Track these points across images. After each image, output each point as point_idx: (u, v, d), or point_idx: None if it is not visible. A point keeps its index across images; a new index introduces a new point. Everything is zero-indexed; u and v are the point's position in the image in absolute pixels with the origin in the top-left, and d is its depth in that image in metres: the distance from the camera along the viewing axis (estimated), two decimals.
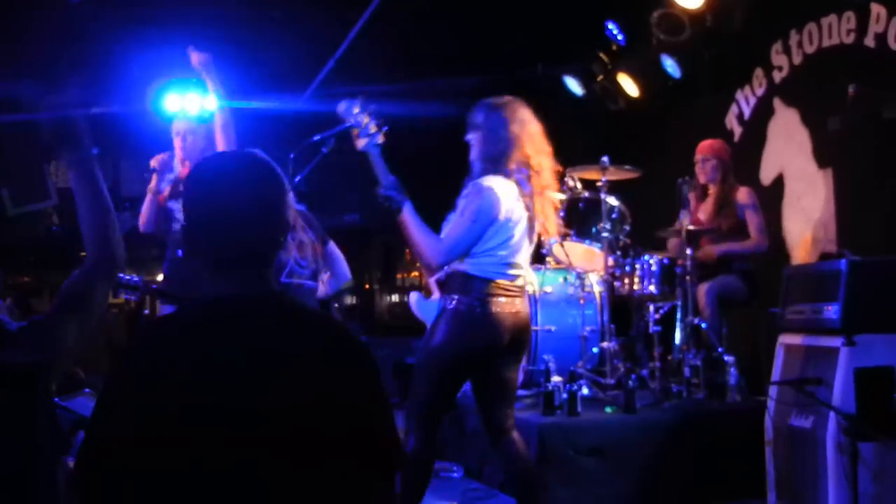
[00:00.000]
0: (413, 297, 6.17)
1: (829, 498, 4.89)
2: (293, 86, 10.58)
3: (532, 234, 4.70)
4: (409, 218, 4.54)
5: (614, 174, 6.81)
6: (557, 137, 10.24)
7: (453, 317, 4.52)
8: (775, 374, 5.56)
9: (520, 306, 4.61)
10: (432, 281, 4.79)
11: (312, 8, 9.21)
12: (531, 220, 4.66)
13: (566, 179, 6.82)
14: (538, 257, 7.20)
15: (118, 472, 1.90)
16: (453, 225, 4.54)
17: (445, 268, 4.59)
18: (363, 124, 4.49)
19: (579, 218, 6.71)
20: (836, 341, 5.01)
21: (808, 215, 7.25)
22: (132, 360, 2.01)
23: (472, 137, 4.71)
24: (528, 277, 4.76)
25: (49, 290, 11.51)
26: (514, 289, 4.59)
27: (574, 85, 9.34)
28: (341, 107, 4.56)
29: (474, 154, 4.70)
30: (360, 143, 4.52)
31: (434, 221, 4.90)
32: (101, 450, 1.94)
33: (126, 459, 1.89)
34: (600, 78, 9.06)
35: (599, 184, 6.66)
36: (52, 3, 6.99)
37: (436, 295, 4.73)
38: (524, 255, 4.66)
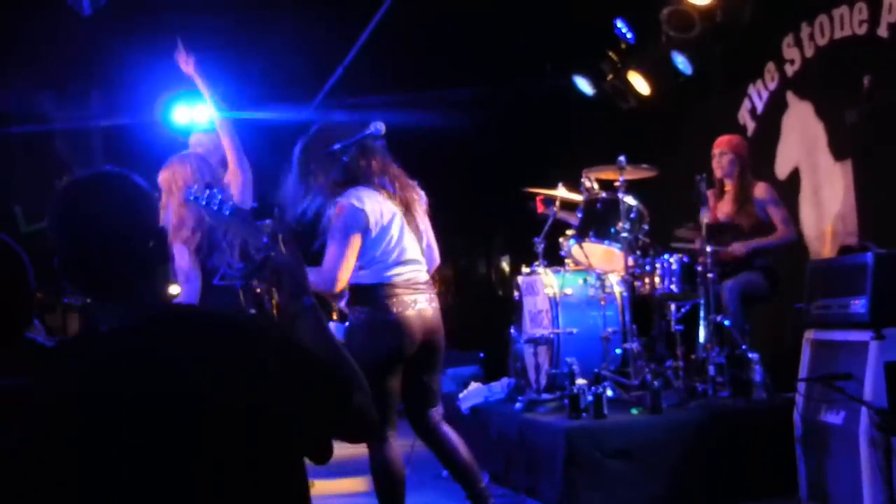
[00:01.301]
0: (331, 326, 6.18)
1: (863, 493, 4.86)
2: (300, 96, 10.58)
3: (416, 227, 4.84)
4: None
5: (631, 173, 6.77)
6: (568, 137, 10.28)
7: (360, 328, 4.67)
8: (802, 369, 5.52)
9: (424, 304, 4.73)
10: (342, 305, 4.87)
11: (319, 19, 9.21)
12: (409, 214, 4.80)
13: (583, 180, 6.80)
14: (557, 259, 7.17)
15: None
16: (328, 249, 4.62)
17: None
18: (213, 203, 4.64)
19: (598, 218, 6.67)
20: (864, 335, 4.98)
21: (825, 208, 7.21)
22: (42, 403, 1.91)
23: (315, 164, 4.78)
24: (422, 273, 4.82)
25: (62, 306, 11.50)
26: (413, 287, 4.72)
27: (584, 84, 9.31)
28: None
29: (326, 178, 4.77)
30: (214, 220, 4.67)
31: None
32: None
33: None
34: (610, 77, 9.03)
35: (617, 183, 6.61)
36: (64, 16, 6.99)
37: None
38: (414, 250, 4.79)
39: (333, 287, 4.57)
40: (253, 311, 4.76)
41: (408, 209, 4.82)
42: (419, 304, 4.70)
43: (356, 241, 4.59)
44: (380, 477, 4.70)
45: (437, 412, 4.90)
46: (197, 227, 5.26)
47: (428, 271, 4.89)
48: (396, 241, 4.70)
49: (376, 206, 4.67)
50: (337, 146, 4.58)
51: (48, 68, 9.29)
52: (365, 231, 4.62)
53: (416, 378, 4.83)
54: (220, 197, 4.65)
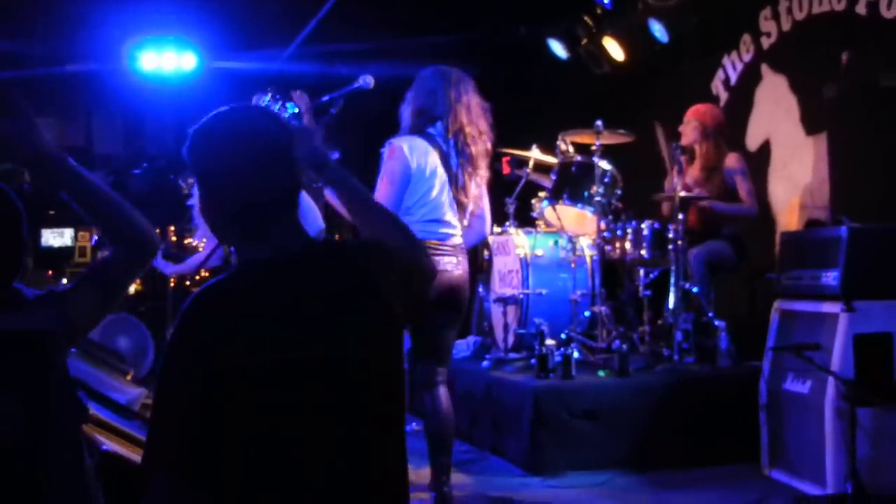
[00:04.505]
0: None
1: (825, 462, 4.97)
2: (273, 44, 10.47)
3: (460, 193, 4.83)
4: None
5: (607, 138, 6.78)
6: (539, 100, 10.26)
7: None
8: (770, 339, 5.61)
9: (449, 266, 4.72)
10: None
11: None
12: (455, 179, 4.80)
13: (559, 143, 6.80)
14: (528, 220, 7.18)
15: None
16: (376, 191, 4.62)
17: None
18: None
19: (571, 181, 6.68)
20: (835, 307, 5.07)
21: (794, 182, 7.26)
22: (194, 329, 1.98)
23: (410, 93, 4.88)
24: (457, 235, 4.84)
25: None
26: (444, 248, 4.73)
27: (558, 48, 9.27)
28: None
29: (406, 110, 4.88)
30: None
31: None
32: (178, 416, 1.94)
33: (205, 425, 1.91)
34: (584, 41, 9.00)
35: (593, 147, 6.63)
36: None
37: None
38: (451, 212, 4.81)
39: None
40: None
41: None
42: (442, 265, 4.67)
43: (399, 190, 4.66)
44: (431, 419, 4.79)
45: (442, 372, 4.83)
46: None
47: None
48: (434, 197, 4.78)
49: (423, 154, 4.73)
50: (325, 98, 4.54)
51: (16, 13, 9.14)
52: (407, 179, 4.69)
53: (429, 331, 4.82)
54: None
